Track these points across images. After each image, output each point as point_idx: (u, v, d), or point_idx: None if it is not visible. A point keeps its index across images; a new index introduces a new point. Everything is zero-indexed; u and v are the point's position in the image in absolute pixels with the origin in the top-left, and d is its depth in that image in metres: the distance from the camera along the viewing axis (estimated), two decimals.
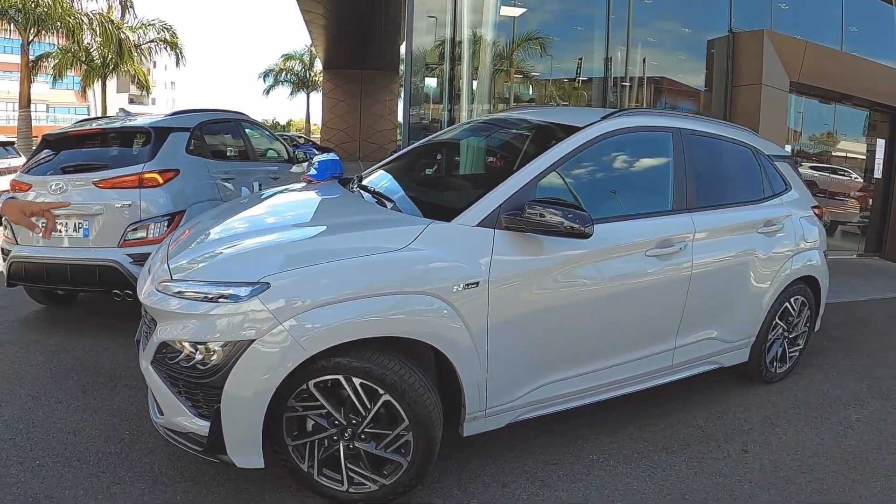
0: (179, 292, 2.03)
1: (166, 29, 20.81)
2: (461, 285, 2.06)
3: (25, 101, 17.33)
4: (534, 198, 2.22)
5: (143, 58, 21.08)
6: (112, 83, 24.08)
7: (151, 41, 20.89)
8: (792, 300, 3.33)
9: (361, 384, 2.01)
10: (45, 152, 4.61)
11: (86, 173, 4.22)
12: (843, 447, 2.76)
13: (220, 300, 1.96)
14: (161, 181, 4.15)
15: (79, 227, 4.08)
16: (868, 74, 7.35)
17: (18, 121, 17.34)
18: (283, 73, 33.61)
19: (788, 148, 7.04)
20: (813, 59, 6.73)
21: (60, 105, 32.34)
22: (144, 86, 22.37)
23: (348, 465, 2.09)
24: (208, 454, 2.01)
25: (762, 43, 6.44)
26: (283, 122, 51.01)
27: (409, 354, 2.09)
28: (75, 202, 4.03)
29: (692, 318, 2.80)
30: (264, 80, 33.63)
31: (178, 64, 21.57)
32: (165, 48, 20.91)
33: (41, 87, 29.60)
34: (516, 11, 7.71)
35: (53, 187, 4.19)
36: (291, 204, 2.94)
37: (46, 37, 17.54)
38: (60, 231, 3.97)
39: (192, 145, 4.55)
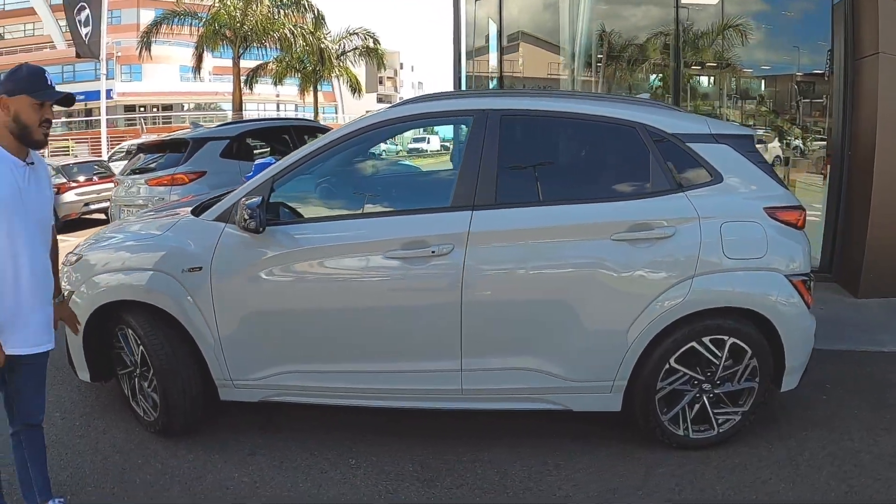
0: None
1: (369, 36, 26.78)
2: (186, 268, 3.18)
3: (238, 105, 25.15)
4: (267, 195, 3.08)
5: (352, 63, 27.47)
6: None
7: (355, 48, 26.94)
8: (707, 340, 3.09)
9: (131, 334, 3.32)
10: (137, 157, 6.93)
11: (144, 174, 6.35)
12: None
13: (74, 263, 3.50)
14: (187, 180, 6.09)
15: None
16: None
17: None
18: None
19: None
20: None
21: (309, 105, 40.32)
22: (357, 89, 27.95)
23: (149, 393, 3.37)
24: (71, 368, 3.60)
25: None
26: None
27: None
28: (139, 196, 6.19)
29: (482, 339, 3.07)
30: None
31: (379, 68, 27.47)
32: (367, 55, 26.79)
33: (291, 90, 36.97)
34: None
35: (126, 185, 6.40)
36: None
37: (263, 45, 23.91)
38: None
39: (228, 151, 6.38)
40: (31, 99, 2.26)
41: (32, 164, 2.37)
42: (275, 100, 44.57)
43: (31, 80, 2.28)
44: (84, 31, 18.63)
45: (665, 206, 3.05)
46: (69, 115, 38.99)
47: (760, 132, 7.09)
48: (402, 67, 63.96)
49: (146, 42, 24.35)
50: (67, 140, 31.44)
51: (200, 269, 3.17)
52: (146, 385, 3.36)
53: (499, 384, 3.14)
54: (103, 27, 19.29)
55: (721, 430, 3.21)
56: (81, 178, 12.48)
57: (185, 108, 46.20)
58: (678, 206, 3.04)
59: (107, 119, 21.10)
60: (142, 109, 44.13)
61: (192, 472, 3.11)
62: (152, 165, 6.66)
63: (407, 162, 4.28)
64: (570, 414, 3.22)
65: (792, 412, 3.61)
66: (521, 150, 3.23)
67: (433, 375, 3.14)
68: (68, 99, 2.37)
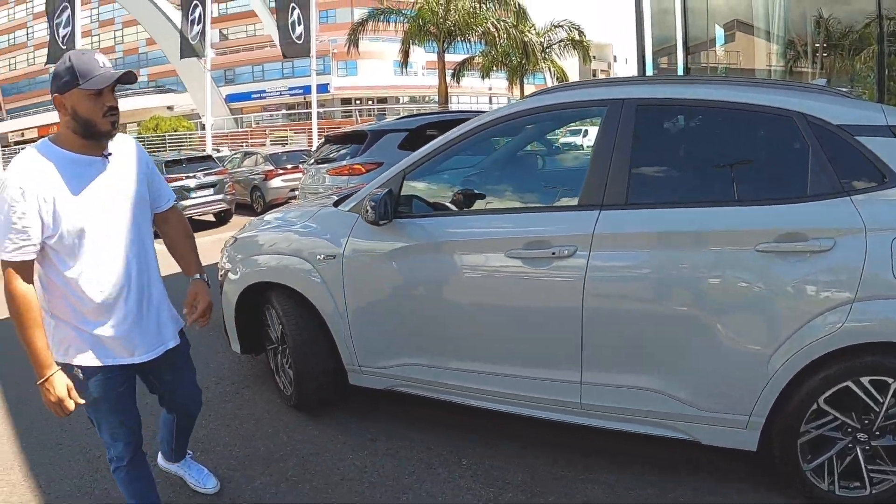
0: None
1: (574, 28, 27.97)
2: (322, 256, 3.52)
3: (443, 98, 27.40)
4: (398, 188, 3.33)
5: (558, 56, 28.73)
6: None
7: (560, 41, 28.09)
8: (866, 380, 2.69)
9: (274, 313, 3.76)
10: (323, 147, 7.71)
11: (326, 164, 7.05)
12: None
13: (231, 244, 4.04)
14: (363, 171, 6.66)
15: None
16: None
17: None
18: None
19: None
20: None
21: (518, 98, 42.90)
22: (564, 82, 28.11)
23: (286, 369, 3.84)
24: (227, 340, 4.18)
25: None
26: None
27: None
28: (322, 185, 6.90)
29: (604, 352, 2.98)
30: None
31: (584, 61, 28.47)
32: (572, 47, 27.89)
33: (503, 82, 38.80)
34: None
35: (311, 173, 7.15)
36: None
37: (467, 40, 26.06)
38: None
39: (406, 143, 6.85)
40: (85, 90, 2.07)
41: (110, 154, 2.24)
42: (487, 93, 46.53)
43: (79, 70, 2.07)
44: (298, 30, 21.09)
45: (823, 212, 2.67)
46: (290, 107, 44.54)
47: None
48: (615, 60, 63.31)
49: (353, 39, 27.12)
50: (286, 130, 35.87)
51: (334, 257, 3.48)
52: (284, 361, 3.78)
53: (620, 403, 3.02)
54: (313, 26, 21.61)
55: (874, 491, 2.79)
56: (288, 166, 14.06)
57: (400, 101, 50.00)
58: (840, 213, 2.65)
59: (325, 111, 23.68)
60: (357, 102, 48.57)
61: (312, 449, 3.45)
62: (333, 156, 7.36)
63: (542, 154, 4.30)
64: (707, 448, 2.99)
65: None
66: (657, 144, 3.07)
67: (552, 385, 3.11)
68: (127, 76, 2.15)
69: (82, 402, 2.22)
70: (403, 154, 6.89)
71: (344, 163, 6.97)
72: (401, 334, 3.44)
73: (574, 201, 3.09)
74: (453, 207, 3.49)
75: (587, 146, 4.76)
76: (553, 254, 2.95)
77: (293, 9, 21.31)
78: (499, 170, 3.82)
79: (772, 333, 2.72)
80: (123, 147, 2.33)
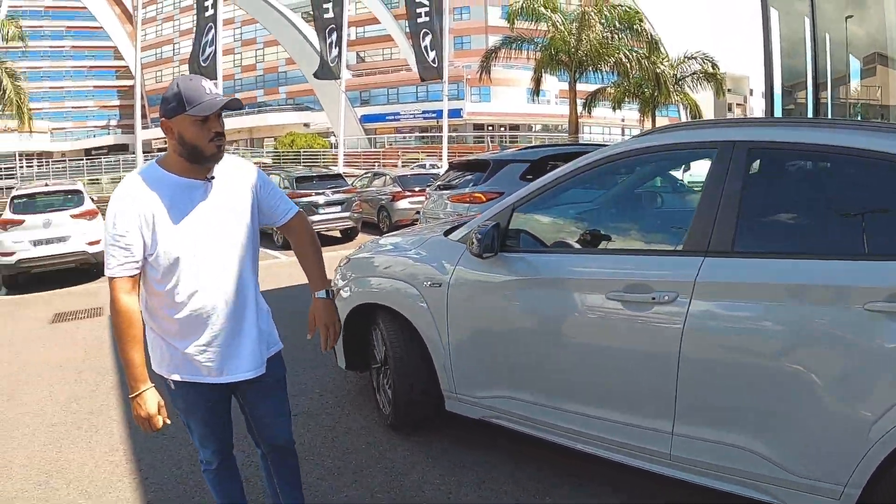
0: None
1: (707, 60, 27.79)
2: (428, 283, 3.67)
3: (573, 128, 27.49)
4: (506, 222, 3.41)
5: (691, 88, 28.45)
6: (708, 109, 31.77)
7: (693, 73, 27.87)
8: None
9: (381, 332, 3.98)
10: (447, 174, 8.01)
11: (447, 191, 7.29)
12: None
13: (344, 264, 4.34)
14: (484, 199, 6.86)
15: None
16: None
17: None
18: None
19: None
20: None
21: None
22: (696, 115, 28.78)
23: (385, 389, 4.04)
24: (334, 355, 4.47)
25: None
26: None
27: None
28: (443, 211, 7.16)
29: (698, 403, 2.88)
30: None
31: (717, 94, 28.15)
32: (706, 80, 27.63)
33: (635, 114, 38.85)
34: None
35: (434, 199, 7.45)
36: None
37: (599, 70, 26.36)
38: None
39: (528, 173, 6.98)
40: (192, 116, 2.14)
41: (214, 177, 2.28)
42: (619, 124, 46.07)
43: (186, 96, 2.13)
44: (431, 55, 21.98)
45: None
46: (423, 130, 46.21)
47: None
48: (751, 94, 61.16)
49: (486, 66, 28.24)
50: (419, 153, 37.31)
51: (440, 285, 3.61)
52: (385, 381, 3.96)
53: (711, 458, 2.89)
54: (445, 52, 22.44)
55: None
56: (416, 189, 14.57)
57: (532, 129, 50.41)
58: None
59: (457, 136, 24.54)
60: (490, 128, 49.45)
61: (401, 468, 3.57)
62: (456, 182, 7.58)
63: (649, 194, 4.24)
64: None
65: None
66: (767, 190, 2.95)
67: (643, 432, 3.05)
68: (233, 103, 2.19)
69: (169, 422, 2.29)
70: (524, 185, 7.03)
71: (466, 190, 7.13)
72: (498, 367, 3.49)
73: (679, 245, 3.06)
74: (561, 243, 3.53)
75: (688, 181, 4.64)
76: (653, 299, 2.91)
77: (426, 34, 22.28)
78: (606, 209, 3.82)
79: (874, 400, 2.52)
80: (232, 170, 2.36)
